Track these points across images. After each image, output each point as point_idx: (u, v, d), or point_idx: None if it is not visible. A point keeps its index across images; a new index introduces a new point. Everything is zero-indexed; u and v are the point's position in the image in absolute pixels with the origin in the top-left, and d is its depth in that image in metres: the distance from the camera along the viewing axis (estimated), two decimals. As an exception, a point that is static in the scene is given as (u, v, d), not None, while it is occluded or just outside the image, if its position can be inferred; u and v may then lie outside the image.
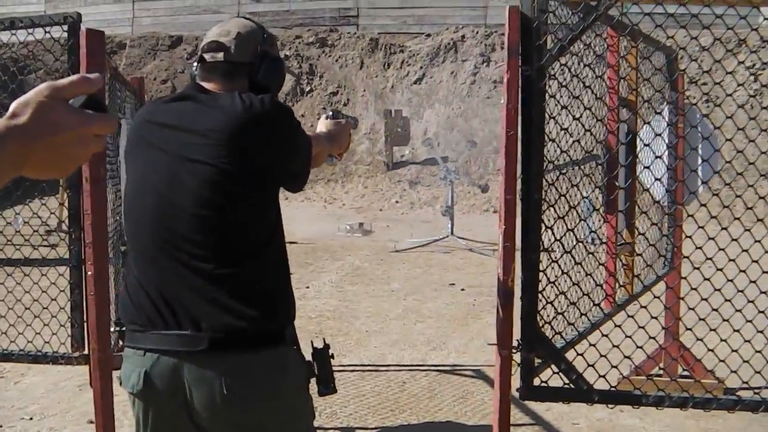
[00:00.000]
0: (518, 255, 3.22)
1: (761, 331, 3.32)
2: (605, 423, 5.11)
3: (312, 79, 22.31)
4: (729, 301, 3.31)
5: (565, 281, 3.36)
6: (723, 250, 3.27)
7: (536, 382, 3.30)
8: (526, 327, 3.22)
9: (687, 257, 3.53)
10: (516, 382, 3.29)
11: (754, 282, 3.26)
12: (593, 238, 4.04)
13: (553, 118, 3.23)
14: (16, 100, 1.10)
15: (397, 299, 9.18)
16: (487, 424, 4.00)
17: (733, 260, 3.26)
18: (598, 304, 3.65)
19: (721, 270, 3.25)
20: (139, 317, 2.36)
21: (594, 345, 3.34)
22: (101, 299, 3.67)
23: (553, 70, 3.22)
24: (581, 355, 3.32)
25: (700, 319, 3.35)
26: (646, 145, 3.54)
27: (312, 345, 2.56)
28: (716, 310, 3.33)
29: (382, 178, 19.68)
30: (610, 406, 3.39)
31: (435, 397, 5.71)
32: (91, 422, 4.49)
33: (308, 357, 2.52)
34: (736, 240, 3.29)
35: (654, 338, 3.54)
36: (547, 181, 3.22)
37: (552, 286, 3.28)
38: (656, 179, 3.71)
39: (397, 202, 18.49)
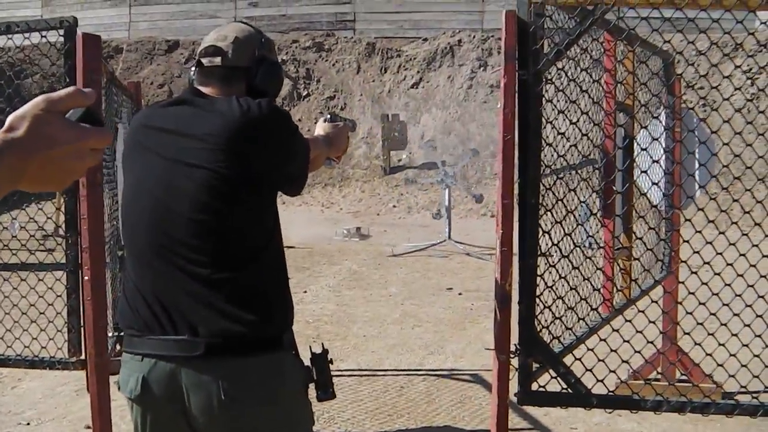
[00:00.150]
0: (516, 259, 3.21)
1: (759, 336, 3.32)
2: (603, 427, 5.11)
3: (309, 83, 22.32)
4: (727, 305, 3.31)
5: (563, 286, 3.36)
6: (720, 254, 3.27)
7: (534, 386, 3.30)
8: (524, 332, 3.22)
9: (684, 262, 3.53)
10: (514, 386, 3.28)
11: (752, 286, 3.26)
12: (591, 243, 4.04)
13: (550, 122, 3.23)
14: (12, 112, 1.10)
15: (394, 304, 9.17)
16: (485, 428, 4.00)
17: (731, 264, 3.26)
18: (596, 309, 3.64)
19: (718, 274, 3.25)
20: (136, 322, 2.36)
21: (592, 350, 3.34)
22: (98, 304, 3.66)
23: (550, 75, 3.22)
24: (579, 359, 3.31)
25: (698, 324, 3.35)
26: (643, 149, 3.54)
27: (311, 350, 2.55)
28: (714, 314, 3.33)
29: (379, 182, 19.68)
30: (607, 410, 3.39)
31: (433, 402, 5.70)
32: (89, 428, 4.48)
33: (307, 362, 2.52)
34: (733, 244, 3.29)
35: (652, 342, 3.53)
36: (544, 185, 3.22)
37: (550, 291, 3.27)
38: (653, 183, 3.70)
39: (394, 206, 18.49)
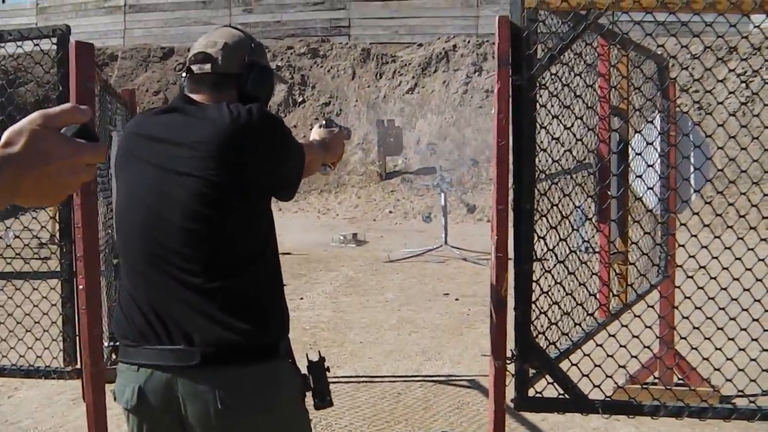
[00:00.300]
0: (511, 265, 3.21)
1: (756, 339, 3.32)
2: (601, 432, 5.10)
3: (304, 89, 22.32)
4: (723, 309, 3.30)
5: (559, 291, 3.35)
6: (716, 258, 3.27)
7: (531, 392, 3.29)
8: (520, 337, 3.21)
9: (680, 266, 3.52)
10: (511, 392, 3.28)
11: (748, 290, 3.26)
12: (586, 248, 4.04)
13: (545, 127, 3.23)
14: (5, 121, 1.10)
15: (391, 310, 9.16)
16: (482, 434, 3.98)
17: (727, 269, 3.26)
18: (592, 314, 3.64)
19: (714, 278, 3.24)
20: (131, 332, 2.34)
21: (588, 355, 3.33)
22: (93, 313, 3.64)
23: (543, 80, 3.21)
24: (575, 365, 3.31)
25: (695, 328, 3.35)
26: (637, 154, 3.54)
27: (307, 358, 2.54)
28: (710, 318, 3.33)
29: (375, 188, 19.67)
30: (605, 415, 3.38)
31: (430, 408, 5.69)
32: (85, 437, 4.46)
33: (303, 370, 2.51)
34: (729, 248, 3.29)
35: (648, 347, 3.53)
36: (539, 190, 3.22)
37: (545, 296, 3.27)
38: (648, 188, 3.70)
39: (390, 212, 18.49)
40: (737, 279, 3.26)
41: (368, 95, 21.85)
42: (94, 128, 1.16)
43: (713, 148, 3.49)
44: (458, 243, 13.51)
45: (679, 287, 3.58)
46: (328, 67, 22.64)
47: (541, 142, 3.23)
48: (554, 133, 3.27)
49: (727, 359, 3.34)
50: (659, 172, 4.27)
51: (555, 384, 3.27)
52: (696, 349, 3.48)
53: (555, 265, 3.32)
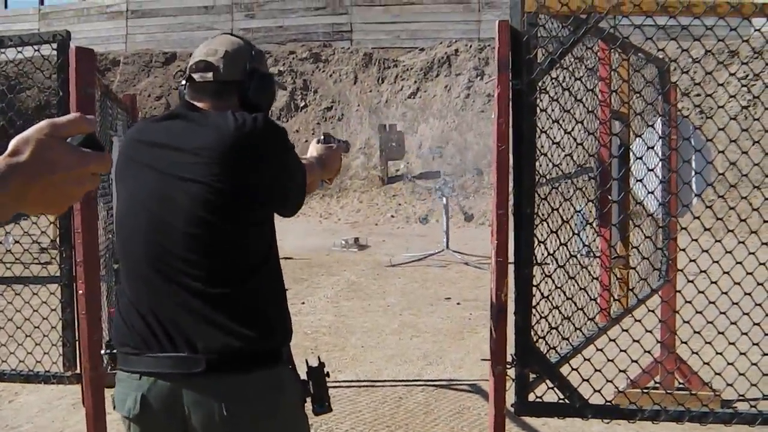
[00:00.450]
0: (512, 269, 3.20)
1: (757, 344, 3.31)
2: (602, 437, 5.09)
3: (306, 94, 22.34)
4: (724, 313, 3.30)
5: (559, 295, 3.35)
6: (717, 262, 3.26)
7: (531, 397, 3.28)
8: (520, 342, 3.20)
9: (681, 270, 3.52)
10: (511, 397, 3.27)
11: (749, 294, 3.25)
12: (587, 252, 4.03)
13: (545, 132, 3.22)
14: (6, 126, 1.11)
15: (392, 314, 9.15)
16: (483, 439, 3.98)
17: (728, 273, 3.25)
18: (592, 319, 3.63)
19: (715, 283, 3.24)
20: (132, 339, 2.32)
21: (588, 359, 3.32)
22: (93, 318, 3.64)
23: (544, 84, 3.21)
24: (576, 369, 3.30)
25: (695, 332, 3.34)
26: (638, 158, 3.53)
27: (307, 363, 2.53)
28: (711, 322, 3.32)
29: (377, 192, 19.68)
30: (605, 420, 3.37)
31: (431, 413, 5.68)
32: (85, 442, 4.46)
33: (303, 375, 2.50)
34: (730, 252, 3.28)
35: (648, 352, 3.52)
36: (539, 195, 3.21)
37: (546, 301, 3.26)
38: (649, 192, 3.69)
39: (392, 216, 18.49)
40: (738, 283, 3.25)
41: (370, 100, 21.86)
42: (99, 138, 1.17)
43: (714, 152, 3.49)
44: (460, 247, 13.50)
45: (680, 291, 3.57)
46: (330, 72, 22.66)
47: (542, 146, 3.22)
48: (554, 138, 3.26)
49: (728, 364, 3.33)
50: (660, 176, 4.26)
51: (555, 389, 3.27)
52: (697, 353, 3.47)
53: (555, 270, 3.32)
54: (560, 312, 3.35)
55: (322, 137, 3.00)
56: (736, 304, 3.29)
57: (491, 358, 3.24)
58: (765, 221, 3.41)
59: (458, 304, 9.63)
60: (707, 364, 3.44)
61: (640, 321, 3.43)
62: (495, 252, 3.15)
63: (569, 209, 3.48)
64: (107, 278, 5.35)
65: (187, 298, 2.27)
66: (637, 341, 3.33)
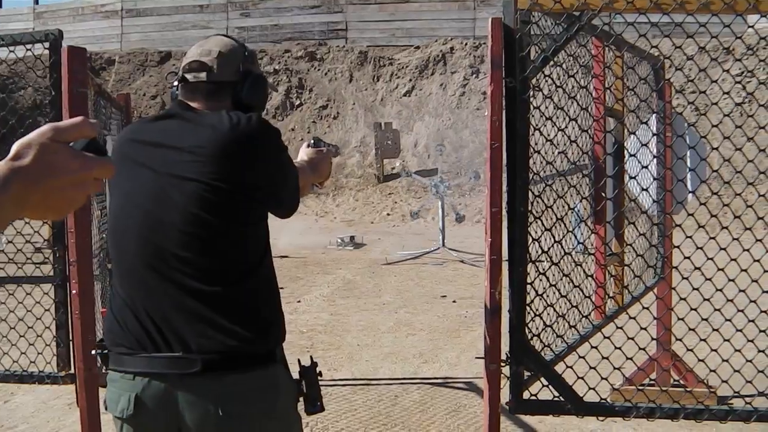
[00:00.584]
0: (506, 267, 3.19)
1: (751, 341, 3.31)
2: (598, 434, 5.09)
3: (301, 93, 22.33)
4: (718, 310, 3.29)
5: (554, 293, 3.34)
6: (711, 259, 3.26)
7: (526, 395, 3.28)
8: (515, 340, 3.20)
9: (676, 267, 3.51)
10: (506, 395, 3.26)
11: (744, 291, 3.25)
12: (581, 249, 4.03)
13: (538, 129, 3.21)
14: (18, 140, 1.10)
15: (388, 312, 9.15)
16: (479, 437, 3.97)
17: (722, 269, 3.25)
18: (587, 316, 3.63)
19: (709, 279, 3.23)
20: (126, 339, 2.31)
21: (584, 357, 3.32)
22: (86, 318, 3.63)
23: (537, 82, 3.20)
24: (570, 367, 3.29)
25: (690, 329, 3.34)
26: (632, 155, 3.53)
27: (299, 363, 2.53)
28: (706, 320, 3.32)
29: (373, 190, 19.68)
30: (601, 417, 3.37)
31: (427, 411, 5.68)
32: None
33: (296, 375, 2.50)
34: (724, 249, 3.28)
35: (643, 349, 3.52)
36: (533, 192, 3.20)
37: (540, 299, 3.26)
38: (643, 189, 3.69)
39: (388, 214, 18.50)
40: (732, 280, 3.25)
41: (365, 98, 21.86)
42: (102, 142, 1.16)
43: (708, 148, 3.48)
44: (455, 245, 13.51)
45: (674, 288, 3.57)
46: (325, 71, 22.66)
47: (536, 144, 3.22)
48: (548, 135, 3.25)
49: (723, 360, 3.32)
50: (654, 174, 4.26)
51: (550, 386, 3.26)
52: (692, 350, 3.46)
53: (550, 267, 3.31)
54: (555, 310, 3.35)
55: (312, 141, 3.00)
56: (731, 301, 3.28)
57: (485, 356, 3.24)
58: (759, 218, 3.41)
59: (454, 302, 9.63)
60: (702, 361, 3.44)
61: (634, 318, 3.42)
62: (489, 250, 3.14)
63: (563, 207, 3.47)
64: (102, 278, 5.34)
65: (181, 297, 2.26)
66: (632, 338, 3.32)
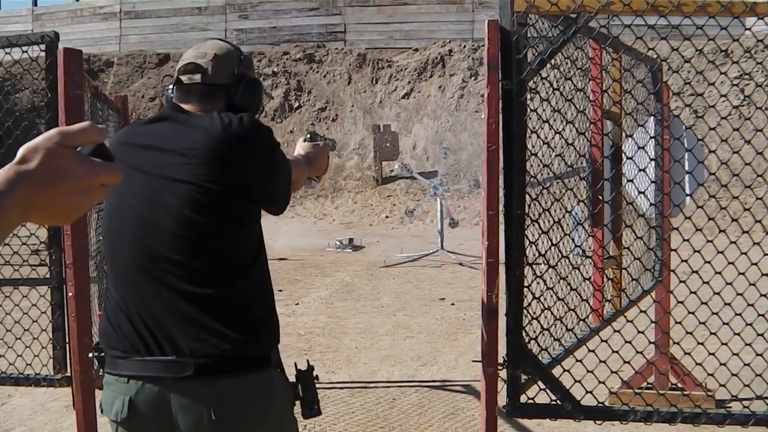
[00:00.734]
0: (503, 270, 3.19)
1: (749, 344, 3.30)
2: (596, 437, 5.08)
3: (300, 95, 22.33)
4: (716, 314, 3.29)
5: (551, 296, 3.34)
6: (709, 262, 3.25)
7: (523, 398, 3.27)
8: (511, 343, 3.19)
9: (673, 270, 3.50)
10: (503, 398, 3.25)
11: (741, 294, 3.24)
12: (579, 252, 4.02)
13: (535, 132, 3.21)
14: (24, 144, 1.08)
15: (386, 315, 9.14)
16: (476, 441, 3.96)
17: (720, 273, 3.24)
18: (584, 319, 3.62)
19: (707, 283, 3.23)
20: (120, 342, 2.31)
21: (581, 360, 3.31)
22: (82, 320, 3.62)
23: (534, 84, 3.20)
24: (568, 371, 3.29)
25: (688, 333, 3.33)
26: (629, 158, 3.52)
27: (296, 366, 2.52)
28: (704, 323, 3.31)
29: (371, 193, 19.68)
30: (598, 421, 3.36)
31: (425, 414, 5.67)
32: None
33: (292, 378, 2.49)
34: (722, 252, 3.27)
35: (641, 353, 3.51)
36: (530, 195, 3.20)
37: (537, 302, 3.25)
38: (640, 192, 3.68)
39: (387, 217, 18.49)
40: (730, 283, 3.24)
41: (364, 100, 21.87)
42: (108, 148, 1.15)
43: (706, 151, 3.48)
44: (454, 248, 13.51)
45: (672, 292, 3.56)
46: (323, 73, 22.66)
47: (532, 146, 3.21)
48: (545, 138, 3.25)
49: (721, 364, 3.32)
50: (652, 176, 4.25)
51: (547, 390, 3.25)
52: (690, 354, 3.46)
53: (547, 270, 3.30)
54: (552, 313, 3.34)
55: (308, 135, 2.99)
56: (729, 304, 3.28)
57: (482, 359, 3.23)
58: (757, 221, 3.40)
59: (452, 304, 9.62)
60: (700, 364, 3.43)
61: (632, 321, 3.42)
62: (486, 253, 3.14)
63: (560, 210, 3.47)
64: (98, 280, 5.33)
65: (174, 300, 2.26)
66: (630, 342, 3.32)
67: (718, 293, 3.24)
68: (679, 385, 5.28)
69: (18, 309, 4.47)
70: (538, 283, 3.26)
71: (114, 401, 2.31)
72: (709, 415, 3.25)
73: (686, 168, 3.69)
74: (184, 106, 2.45)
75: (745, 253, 3.27)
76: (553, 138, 3.30)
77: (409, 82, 21.82)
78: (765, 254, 3.22)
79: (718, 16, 3.07)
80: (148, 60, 23.43)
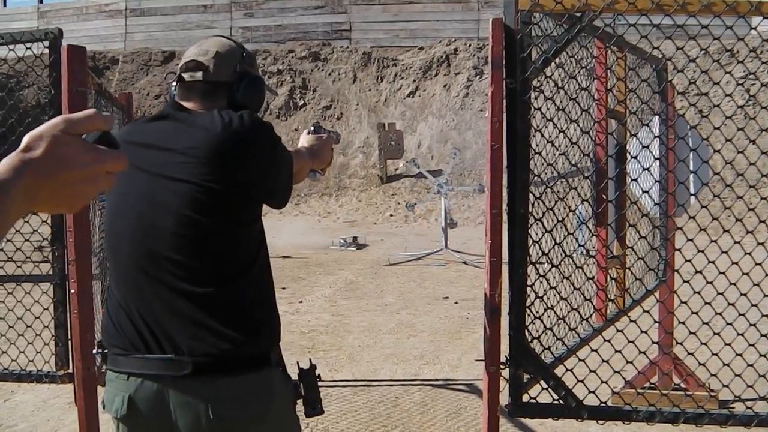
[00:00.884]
0: (506, 269, 3.18)
1: (753, 345, 3.29)
2: (599, 437, 5.07)
3: (305, 93, 22.34)
4: (720, 314, 3.28)
5: (554, 296, 3.33)
6: (713, 262, 3.24)
7: (525, 398, 3.26)
8: (514, 343, 3.18)
9: (677, 270, 3.49)
10: (506, 398, 3.25)
11: (745, 295, 3.23)
12: (582, 251, 4.01)
13: (539, 131, 3.20)
14: (29, 132, 1.07)
15: (390, 313, 9.14)
16: (478, 440, 3.95)
17: (724, 273, 3.23)
18: (587, 319, 3.61)
19: (711, 283, 3.21)
20: (121, 340, 2.32)
21: (583, 360, 3.30)
22: (85, 317, 3.62)
23: (538, 83, 3.19)
24: (570, 370, 3.28)
25: (691, 333, 3.32)
26: (633, 157, 3.51)
27: (298, 365, 2.52)
28: (707, 323, 3.30)
29: (376, 191, 19.68)
30: (601, 421, 3.36)
31: (428, 412, 5.66)
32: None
33: (295, 377, 2.48)
34: (726, 252, 3.26)
35: (644, 353, 3.50)
36: (533, 194, 3.19)
37: (540, 301, 3.24)
38: (644, 192, 3.67)
39: (391, 215, 18.49)
40: (734, 284, 3.24)
41: (369, 99, 21.87)
42: (114, 136, 1.14)
43: (711, 151, 3.47)
44: (458, 246, 13.50)
45: (675, 292, 3.55)
46: (329, 71, 22.66)
47: (536, 145, 3.20)
48: (549, 137, 3.24)
49: (724, 364, 3.31)
50: (656, 176, 4.24)
51: (550, 389, 3.25)
52: (693, 354, 3.45)
53: (550, 269, 3.29)
54: (555, 312, 3.33)
55: (312, 128, 2.99)
56: (732, 304, 3.27)
57: (485, 358, 3.22)
58: (762, 221, 3.39)
59: (456, 303, 9.62)
60: (703, 365, 3.42)
61: (635, 321, 3.41)
62: (489, 252, 3.13)
63: (564, 209, 3.46)
64: (101, 277, 5.33)
65: (173, 299, 2.26)
66: (633, 342, 3.31)
67: (722, 293, 3.23)
68: (682, 385, 5.27)
69: (21, 305, 4.47)
70: (541, 282, 3.25)
71: (114, 398, 2.32)
72: (712, 415, 3.24)
73: (691, 167, 3.67)
74: (186, 104, 2.44)
75: (750, 254, 3.26)
76: (557, 137, 3.29)
77: (414, 81, 21.82)
78: (769, 254, 3.21)
79: (724, 15, 3.06)
80: (153, 57, 23.46)
